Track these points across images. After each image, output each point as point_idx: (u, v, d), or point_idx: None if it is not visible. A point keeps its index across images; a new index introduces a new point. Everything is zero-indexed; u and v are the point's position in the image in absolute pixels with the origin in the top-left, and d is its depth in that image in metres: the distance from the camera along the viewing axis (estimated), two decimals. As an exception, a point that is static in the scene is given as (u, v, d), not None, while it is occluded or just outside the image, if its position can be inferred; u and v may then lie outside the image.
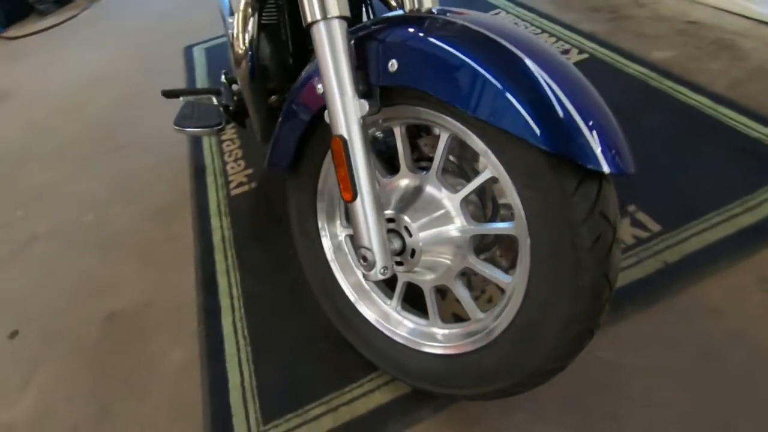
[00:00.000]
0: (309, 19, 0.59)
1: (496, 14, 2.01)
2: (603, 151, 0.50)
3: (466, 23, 0.57)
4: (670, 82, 1.42)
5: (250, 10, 0.87)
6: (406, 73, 0.58)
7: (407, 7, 0.71)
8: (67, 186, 1.66)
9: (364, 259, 0.65)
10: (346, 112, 0.60)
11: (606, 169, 0.49)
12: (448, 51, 0.54)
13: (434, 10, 0.65)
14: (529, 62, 0.52)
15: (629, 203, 1.11)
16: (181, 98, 1.11)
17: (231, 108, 1.11)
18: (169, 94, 1.10)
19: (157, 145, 1.72)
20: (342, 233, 0.88)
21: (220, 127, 1.10)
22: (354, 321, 0.87)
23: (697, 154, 1.19)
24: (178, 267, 1.24)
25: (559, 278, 0.56)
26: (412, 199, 0.71)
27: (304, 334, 1.00)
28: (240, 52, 0.88)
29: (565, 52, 1.67)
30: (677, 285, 0.94)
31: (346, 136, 0.61)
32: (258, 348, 1.01)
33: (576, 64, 1.58)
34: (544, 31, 1.81)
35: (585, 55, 1.62)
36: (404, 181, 0.73)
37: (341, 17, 0.59)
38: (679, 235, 1.02)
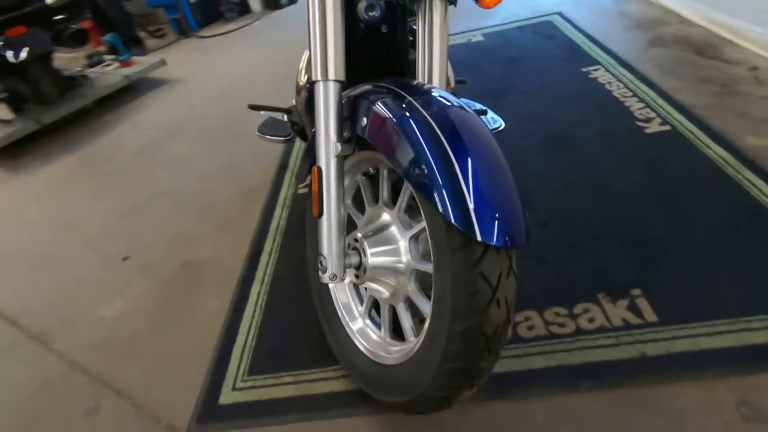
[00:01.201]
0: (312, 78, 0.79)
1: (595, 70, 1.98)
2: (489, 227, 0.61)
3: (424, 108, 0.70)
4: (749, 173, 1.29)
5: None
6: (370, 131, 0.75)
7: (418, 77, 0.88)
8: (194, 159, 2.14)
9: (321, 263, 0.83)
10: (327, 150, 0.79)
11: (478, 237, 0.60)
12: (398, 125, 0.69)
13: (428, 88, 0.79)
14: (453, 151, 0.64)
15: (635, 287, 1.08)
16: (262, 112, 1.42)
17: (296, 125, 1.38)
18: (254, 108, 1.42)
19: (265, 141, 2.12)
20: None
21: (288, 138, 1.37)
22: (332, 320, 1.04)
23: (742, 258, 1.09)
24: (241, 239, 1.56)
25: (441, 319, 0.67)
26: (376, 227, 0.87)
27: (304, 316, 1.21)
28: (299, 84, 1.13)
29: (647, 120, 1.60)
30: (646, 379, 0.91)
31: (323, 167, 0.80)
32: (267, 318, 1.25)
33: (652, 135, 1.52)
34: (634, 94, 1.75)
35: (666, 127, 1.54)
36: (378, 212, 0.89)
37: (336, 81, 0.78)
38: (673, 332, 0.97)
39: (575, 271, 1.16)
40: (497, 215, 0.62)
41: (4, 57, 2.12)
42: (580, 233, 1.27)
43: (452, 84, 1.13)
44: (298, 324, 1.20)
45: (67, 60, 3.17)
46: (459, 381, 0.69)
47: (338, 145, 0.79)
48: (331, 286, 1.06)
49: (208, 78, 3.10)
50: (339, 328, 1.01)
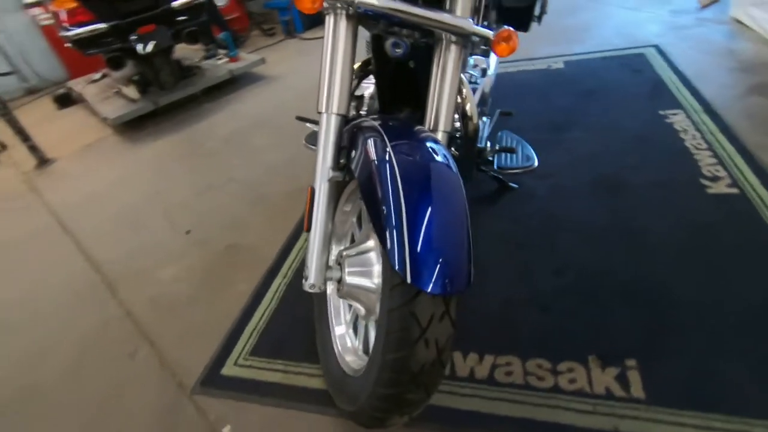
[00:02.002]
0: (318, 109, 0.89)
1: (674, 114, 1.81)
2: (423, 273, 0.65)
3: (400, 155, 0.74)
4: (816, 260, 1.12)
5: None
6: (356, 164, 0.83)
7: (426, 116, 0.93)
8: (266, 152, 2.39)
9: (304, 272, 0.93)
10: (321, 174, 0.89)
11: (409, 281, 0.65)
12: (374, 167, 0.75)
13: (420, 135, 0.84)
14: (407, 201, 0.68)
15: (631, 356, 1.02)
16: (308, 124, 1.56)
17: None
18: (301, 119, 1.56)
19: (310, 151, 2.29)
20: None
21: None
22: (322, 320, 1.14)
23: (763, 352, 0.97)
24: (280, 233, 1.73)
25: (377, 347, 0.73)
26: (360, 249, 0.94)
27: (309, 314, 1.32)
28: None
29: (714, 178, 1.45)
30: (611, 455, 0.87)
31: (316, 189, 0.89)
32: (279, 308, 1.39)
33: (714, 196, 1.39)
34: (709, 147, 1.58)
35: (734, 190, 1.38)
36: (366, 235, 0.96)
37: (338, 114, 0.87)
38: (657, 414, 0.91)
39: (574, 326, 1.12)
40: (435, 263, 0.66)
41: (135, 48, 2.56)
42: (595, 286, 1.21)
43: (475, 120, 1.15)
44: (302, 320, 1.32)
45: (191, 51, 3.69)
46: (389, 406, 0.75)
47: (331, 171, 0.88)
48: (328, 290, 1.15)
49: (301, 78, 3.38)
50: (325, 329, 1.11)
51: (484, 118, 1.61)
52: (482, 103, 1.49)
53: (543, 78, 2.41)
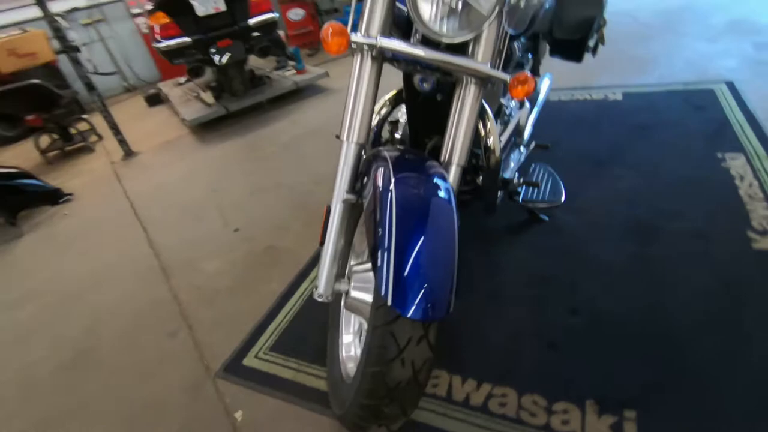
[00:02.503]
0: (340, 137, 0.98)
1: (733, 158, 1.70)
2: (404, 299, 0.72)
3: (401, 186, 0.81)
4: None
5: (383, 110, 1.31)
6: (363, 189, 0.91)
7: (443, 149, 0.99)
8: (316, 160, 2.54)
9: (315, 282, 1.02)
10: (337, 196, 0.98)
11: (389, 304, 0.71)
12: (378, 195, 0.82)
13: (429, 170, 0.90)
14: (398, 229, 0.75)
15: (631, 407, 0.99)
16: None
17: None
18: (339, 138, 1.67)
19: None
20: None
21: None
22: (334, 325, 1.23)
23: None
24: (315, 240, 1.84)
25: (362, 360, 0.80)
26: (366, 267, 1.02)
27: (327, 318, 1.42)
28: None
29: (763, 232, 1.35)
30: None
31: (332, 208, 0.98)
32: (302, 310, 1.50)
33: (760, 252, 1.30)
34: (766, 198, 1.47)
35: (783, 247, 1.28)
36: (374, 254, 1.04)
37: (357, 143, 0.96)
38: (646, 471, 0.89)
39: (578, 368, 1.11)
40: (417, 290, 0.72)
41: (213, 60, 2.86)
42: (608, 331, 1.18)
43: (497, 153, 1.19)
44: (321, 323, 1.41)
45: (264, 62, 4.01)
46: (367, 415, 0.81)
47: (345, 193, 0.96)
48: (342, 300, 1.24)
49: (359, 92, 3.54)
50: (335, 335, 1.19)
51: (522, 149, 1.63)
52: (517, 134, 1.51)
53: (597, 109, 2.35)
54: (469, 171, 1.35)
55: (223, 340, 1.46)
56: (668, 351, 1.10)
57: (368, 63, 0.94)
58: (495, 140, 1.19)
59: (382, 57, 0.95)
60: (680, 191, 1.62)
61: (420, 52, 0.89)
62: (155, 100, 4.40)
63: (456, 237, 0.79)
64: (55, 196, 2.74)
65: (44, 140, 3.55)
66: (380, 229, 0.78)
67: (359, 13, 0.95)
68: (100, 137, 3.80)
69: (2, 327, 1.78)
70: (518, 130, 1.48)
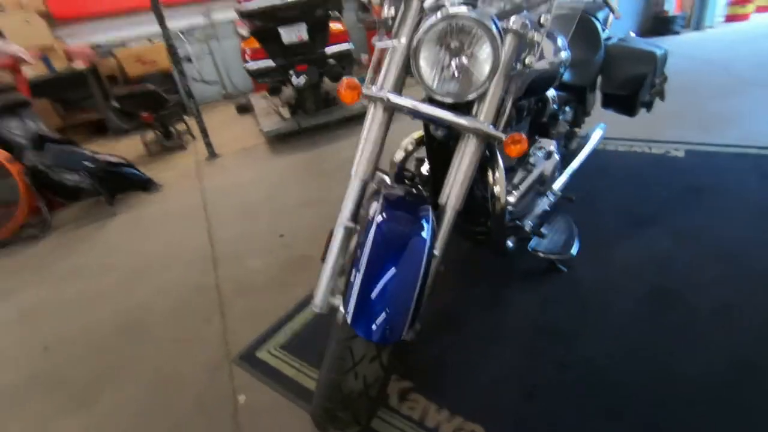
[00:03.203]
0: (351, 172, 1.12)
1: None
2: (362, 320, 0.84)
3: (383, 222, 0.93)
4: None
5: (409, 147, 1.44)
6: (361, 219, 1.04)
7: (442, 193, 1.10)
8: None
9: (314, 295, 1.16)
10: (339, 222, 1.12)
11: (348, 320, 0.83)
12: (366, 225, 0.96)
13: (418, 210, 1.02)
14: (370, 259, 0.87)
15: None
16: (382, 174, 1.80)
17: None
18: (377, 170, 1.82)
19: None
20: None
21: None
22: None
23: None
24: (345, 255, 2.01)
25: (323, 366, 0.92)
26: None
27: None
28: (394, 160, 1.47)
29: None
30: None
31: (335, 232, 1.13)
32: (314, 317, 1.65)
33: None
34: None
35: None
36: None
37: (362, 179, 1.10)
38: None
39: (550, 423, 1.12)
40: (374, 315, 0.83)
41: (291, 81, 3.20)
42: (594, 394, 1.18)
43: (502, 200, 1.25)
44: (327, 331, 1.55)
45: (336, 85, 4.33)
46: (325, 417, 0.93)
47: (347, 221, 1.10)
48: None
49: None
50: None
51: (547, 198, 1.66)
52: (541, 182, 1.55)
53: (653, 164, 2.27)
54: (483, 213, 1.43)
55: (247, 331, 1.65)
56: (653, 429, 1.08)
57: (379, 113, 1.08)
58: (501, 189, 1.26)
59: (392, 107, 1.08)
60: (718, 263, 1.53)
61: (421, 108, 1.01)
62: (244, 109, 4.93)
63: (420, 274, 0.88)
64: (148, 185, 3.21)
65: (149, 136, 4.16)
66: (358, 256, 0.90)
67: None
68: (194, 137, 4.35)
69: (82, 290, 2.15)
70: (542, 179, 1.52)
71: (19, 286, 2.27)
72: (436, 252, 1.08)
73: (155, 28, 3.23)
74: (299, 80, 3.19)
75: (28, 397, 1.53)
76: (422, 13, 1.02)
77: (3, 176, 2.68)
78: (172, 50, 3.26)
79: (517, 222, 1.49)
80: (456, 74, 0.97)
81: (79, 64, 4.71)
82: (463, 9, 0.91)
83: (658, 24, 5.03)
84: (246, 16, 2.88)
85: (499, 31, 0.93)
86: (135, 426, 1.36)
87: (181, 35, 5.28)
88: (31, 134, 2.95)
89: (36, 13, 4.55)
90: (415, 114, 1.06)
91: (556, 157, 1.57)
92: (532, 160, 1.52)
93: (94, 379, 1.57)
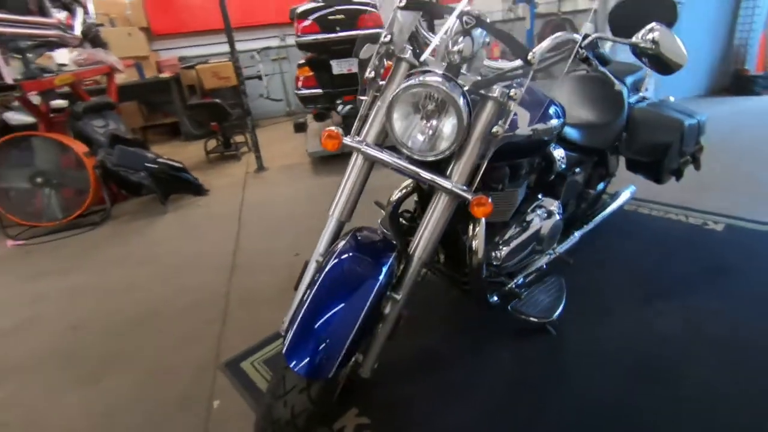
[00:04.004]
0: (329, 212, 1.21)
1: None
2: (296, 353, 0.91)
3: (336, 265, 1.01)
4: None
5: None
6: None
7: (410, 246, 1.15)
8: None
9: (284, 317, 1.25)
10: (314, 256, 1.20)
11: (283, 351, 0.90)
12: (326, 259, 1.04)
13: (380, 252, 1.08)
14: (314, 298, 0.95)
15: None
16: (382, 210, 1.85)
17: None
18: (377, 204, 1.87)
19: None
20: None
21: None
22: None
23: None
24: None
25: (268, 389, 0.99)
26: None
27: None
28: (390, 200, 1.54)
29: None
30: None
31: (309, 264, 1.21)
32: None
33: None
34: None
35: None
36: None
37: (338, 220, 1.18)
38: None
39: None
40: (309, 351, 0.90)
41: (336, 109, 3.41)
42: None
43: (479, 255, 1.27)
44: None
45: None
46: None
47: (319, 255, 1.18)
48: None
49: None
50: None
51: (544, 257, 1.63)
52: (538, 241, 1.53)
53: (685, 234, 2.13)
54: (466, 264, 1.45)
55: (239, 341, 1.77)
56: None
57: (359, 161, 1.16)
58: (479, 243, 1.28)
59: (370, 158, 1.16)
60: (720, 354, 1.42)
61: (393, 162, 1.08)
62: (300, 127, 5.25)
63: (362, 316, 0.94)
64: (198, 189, 3.52)
65: (211, 144, 4.56)
66: (308, 290, 0.98)
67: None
68: (250, 150, 4.70)
69: (120, 278, 2.40)
70: (539, 238, 1.51)
71: (71, 266, 2.59)
72: (398, 296, 1.13)
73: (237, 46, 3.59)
74: (344, 109, 3.39)
75: (45, 369, 1.74)
76: (410, 74, 1.11)
77: (80, 167, 3.09)
78: (237, 71, 3.60)
79: (503, 278, 1.48)
80: (426, 134, 1.03)
81: (166, 74, 5.30)
82: (436, 79, 0.98)
83: (737, 83, 4.70)
84: (303, 46, 3.13)
85: (468, 102, 0.99)
86: (121, 409, 1.50)
87: (256, 55, 5.77)
88: (108, 134, 3.37)
89: (138, 28, 5.22)
90: (389, 167, 1.13)
91: (557, 217, 1.55)
92: (529, 217, 1.52)
93: (103, 361, 1.75)
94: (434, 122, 1.02)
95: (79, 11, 3.58)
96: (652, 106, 1.80)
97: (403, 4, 1.01)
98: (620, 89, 1.74)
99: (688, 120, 1.72)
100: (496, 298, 1.47)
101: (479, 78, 1.05)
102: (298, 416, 0.92)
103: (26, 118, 3.62)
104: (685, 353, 1.44)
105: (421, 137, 1.05)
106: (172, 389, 1.56)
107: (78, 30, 3.49)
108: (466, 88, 1.00)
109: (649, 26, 1.10)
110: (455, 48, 1.01)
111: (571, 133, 1.58)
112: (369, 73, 1.08)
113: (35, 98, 3.24)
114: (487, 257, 1.44)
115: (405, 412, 1.35)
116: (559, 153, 1.55)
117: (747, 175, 2.67)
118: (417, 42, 1.14)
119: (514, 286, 1.49)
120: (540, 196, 1.57)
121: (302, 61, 3.38)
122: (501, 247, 1.44)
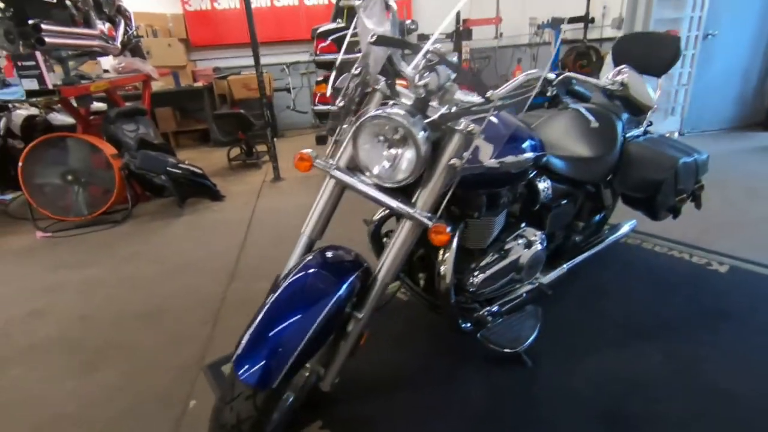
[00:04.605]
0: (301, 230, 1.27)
1: None
2: (244, 362, 0.96)
3: (296, 280, 1.07)
4: None
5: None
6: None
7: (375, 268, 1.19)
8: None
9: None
10: (284, 273, 1.26)
11: (233, 359, 0.96)
12: (287, 276, 1.10)
13: (341, 269, 1.13)
14: (267, 311, 1.01)
15: None
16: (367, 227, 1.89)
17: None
18: (365, 222, 1.91)
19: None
20: None
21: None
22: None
23: None
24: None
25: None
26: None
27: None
28: (372, 218, 1.59)
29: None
30: None
31: (279, 278, 1.27)
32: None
33: None
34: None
35: None
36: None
37: (309, 237, 1.23)
38: None
39: None
40: (255, 361, 0.95)
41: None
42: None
43: (447, 281, 1.29)
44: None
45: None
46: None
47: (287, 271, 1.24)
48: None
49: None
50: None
51: (523, 286, 1.64)
52: (516, 270, 1.54)
53: (687, 273, 2.07)
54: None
55: (226, 345, 1.84)
56: None
57: (331, 183, 1.22)
58: (447, 269, 1.30)
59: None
60: (699, 403, 1.37)
61: (358, 186, 1.14)
62: (322, 140, 5.38)
63: (311, 331, 0.98)
64: (215, 195, 3.68)
65: (234, 151, 4.76)
66: (265, 302, 1.03)
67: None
68: (271, 159, 4.86)
69: (132, 274, 2.54)
70: (517, 267, 1.52)
71: (89, 260, 2.76)
72: (360, 315, 1.17)
73: (264, 60, 3.76)
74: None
75: (51, 355, 1.87)
76: (383, 104, 1.16)
77: (108, 168, 3.31)
78: (260, 83, 3.77)
79: (476, 305, 1.50)
80: (389, 163, 1.08)
81: (200, 83, 5.59)
82: (400, 111, 1.03)
83: (771, 118, 4.51)
84: (320, 65, 3.25)
85: (427, 135, 1.03)
86: (107, 399, 1.59)
87: (286, 68, 5.99)
88: (138, 138, 3.59)
89: (177, 40, 5.54)
90: (354, 191, 1.18)
91: (539, 247, 1.56)
92: (508, 246, 1.53)
93: (102, 351, 1.86)
94: (392, 151, 1.07)
95: (122, 23, 3.85)
96: (649, 142, 1.79)
97: (373, 39, 1.08)
98: (615, 123, 1.74)
99: (684, 158, 1.69)
100: (469, 324, 1.48)
101: (446, 111, 1.09)
102: (243, 422, 0.97)
103: (68, 119, 3.90)
104: (660, 402, 1.40)
105: (384, 165, 1.10)
106: (156, 385, 1.65)
107: (119, 41, 3.75)
108: (427, 121, 1.05)
109: (618, 68, 1.11)
110: (420, 82, 1.06)
111: (558, 164, 1.58)
112: (339, 102, 1.15)
113: (74, 102, 3.50)
114: (463, 283, 1.46)
115: (367, 429, 1.38)
116: (544, 184, 1.56)
117: (762, 218, 2.57)
118: (389, 75, 1.20)
119: (486, 313, 1.50)
120: (523, 225, 1.58)
121: (320, 78, 3.51)
122: (476, 273, 1.45)
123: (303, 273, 1.09)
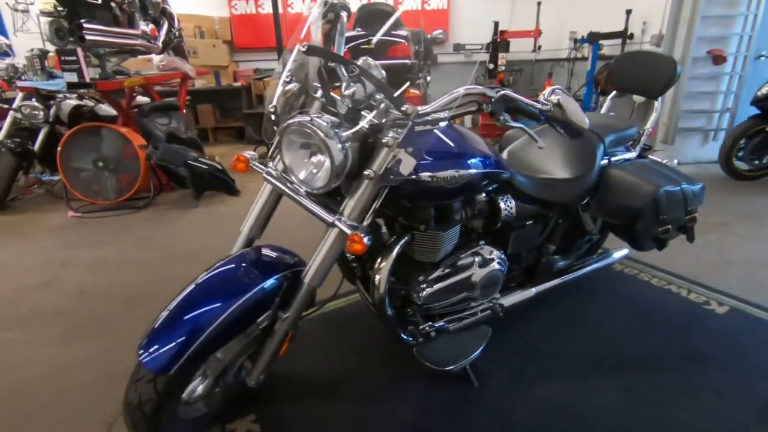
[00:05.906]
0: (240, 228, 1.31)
1: None
2: (148, 347, 1.02)
3: (224, 269, 1.12)
4: None
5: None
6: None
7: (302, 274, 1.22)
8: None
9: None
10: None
11: (138, 343, 1.01)
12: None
13: (271, 267, 1.17)
14: (181, 300, 1.06)
15: None
16: None
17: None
18: None
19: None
20: None
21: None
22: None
23: None
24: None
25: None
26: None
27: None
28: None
29: None
30: None
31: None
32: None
33: None
34: None
35: None
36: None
37: (246, 236, 1.28)
38: None
39: None
40: (158, 347, 1.00)
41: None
42: None
43: (381, 290, 1.29)
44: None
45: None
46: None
47: (224, 265, 1.29)
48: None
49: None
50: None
51: (484, 304, 1.59)
52: (468, 287, 1.50)
53: (681, 310, 1.92)
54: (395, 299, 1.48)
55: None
56: None
57: (269, 185, 1.26)
58: (381, 279, 1.30)
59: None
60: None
61: (282, 189, 1.17)
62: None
63: (218, 323, 1.02)
64: (231, 190, 3.85)
65: (261, 150, 4.95)
66: (182, 290, 1.09)
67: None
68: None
69: (138, 257, 2.71)
70: (470, 284, 1.48)
71: (104, 240, 2.98)
72: (284, 315, 1.20)
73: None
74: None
75: (42, 323, 2.04)
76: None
77: (135, 158, 3.56)
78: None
79: (418, 318, 1.48)
80: (310, 170, 1.10)
81: (239, 83, 5.88)
82: (319, 121, 1.05)
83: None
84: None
85: (346, 146, 1.04)
86: (78, 368, 1.71)
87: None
88: (168, 131, 3.84)
89: (222, 41, 5.86)
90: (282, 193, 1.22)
91: (496, 266, 1.51)
92: (461, 262, 1.50)
93: (88, 324, 2.01)
94: (312, 159, 1.09)
95: (165, 24, 4.14)
96: (635, 167, 1.68)
97: (305, 49, 1.11)
98: (595, 144, 1.66)
99: (667, 186, 1.58)
100: (410, 337, 1.47)
101: (375, 122, 1.10)
102: (144, 404, 1.02)
103: (112, 111, 4.25)
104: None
105: (312, 171, 1.12)
106: (127, 362, 1.75)
107: (161, 40, 4.04)
108: (351, 131, 1.06)
109: (551, 88, 1.07)
110: (347, 92, 1.08)
111: (524, 183, 1.54)
112: (270, 108, 1.18)
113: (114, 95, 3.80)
114: (410, 295, 1.45)
115: (294, 428, 1.39)
116: (507, 203, 1.51)
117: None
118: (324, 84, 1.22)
119: (429, 328, 1.47)
120: (482, 243, 1.55)
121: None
122: (424, 286, 1.44)
123: (226, 266, 1.13)
